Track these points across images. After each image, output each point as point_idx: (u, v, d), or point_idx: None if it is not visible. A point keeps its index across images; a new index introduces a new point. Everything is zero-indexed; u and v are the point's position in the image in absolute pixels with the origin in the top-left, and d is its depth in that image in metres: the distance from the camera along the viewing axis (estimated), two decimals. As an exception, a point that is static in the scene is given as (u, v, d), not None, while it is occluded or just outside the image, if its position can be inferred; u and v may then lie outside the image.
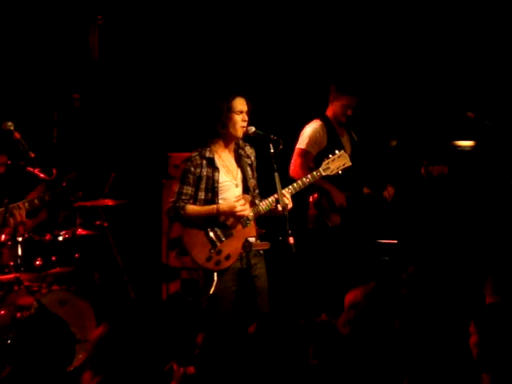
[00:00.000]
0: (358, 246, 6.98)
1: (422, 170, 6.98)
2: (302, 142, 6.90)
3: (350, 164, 5.99)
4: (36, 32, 7.96)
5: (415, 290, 5.10)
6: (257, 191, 5.88)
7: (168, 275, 7.33)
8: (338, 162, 5.94)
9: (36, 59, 7.99)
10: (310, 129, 6.94)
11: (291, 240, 5.50)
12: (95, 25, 8.25)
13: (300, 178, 5.86)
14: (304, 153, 6.85)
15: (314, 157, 6.76)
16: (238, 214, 5.64)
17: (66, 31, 8.11)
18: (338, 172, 5.94)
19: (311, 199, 6.92)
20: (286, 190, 5.72)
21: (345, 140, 7.00)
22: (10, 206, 5.70)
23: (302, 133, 6.96)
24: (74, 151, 7.98)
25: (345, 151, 6.10)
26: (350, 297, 4.71)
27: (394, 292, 5.08)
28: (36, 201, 5.93)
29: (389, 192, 6.99)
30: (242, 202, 5.67)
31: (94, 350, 3.81)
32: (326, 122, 6.96)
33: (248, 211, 5.67)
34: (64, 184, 6.14)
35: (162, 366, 4.10)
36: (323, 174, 5.90)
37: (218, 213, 5.64)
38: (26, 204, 5.89)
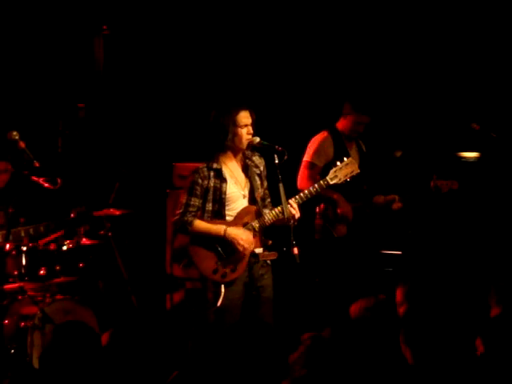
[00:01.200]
0: (363, 257, 6.97)
1: (432, 184, 6.96)
2: (309, 154, 6.93)
3: (359, 171, 5.92)
4: (41, 42, 7.98)
5: (416, 304, 5.09)
6: (268, 200, 5.85)
7: (172, 285, 7.32)
8: (345, 170, 5.88)
9: (41, 69, 8.01)
10: (317, 141, 6.98)
11: (295, 250, 5.48)
12: (100, 35, 8.27)
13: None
14: (310, 165, 6.88)
15: (322, 168, 6.76)
16: (240, 245, 5.62)
17: (71, 41, 8.13)
18: (345, 180, 5.89)
19: (318, 209, 6.93)
20: (293, 199, 5.70)
21: (353, 151, 7.00)
22: (13, 230, 5.73)
23: (308, 145, 6.99)
24: (78, 161, 7.99)
25: None
26: (355, 308, 4.70)
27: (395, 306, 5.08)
28: (41, 228, 5.94)
29: (397, 205, 6.98)
30: (251, 238, 5.66)
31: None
32: (334, 133, 6.99)
33: (250, 247, 5.64)
34: (72, 216, 6.17)
35: (166, 376, 4.09)
36: (330, 182, 5.85)
37: (224, 236, 5.62)
38: (31, 230, 5.90)
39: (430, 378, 3.86)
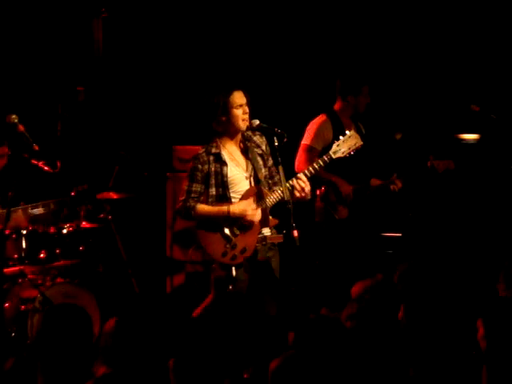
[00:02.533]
0: (363, 240, 6.97)
1: (428, 164, 6.95)
2: (307, 137, 6.91)
3: (362, 143, 5.81)
4: (40, 25, 7.96)
5: (411, 286, 5.10)
6: (277, 177, 5.75)
7: (172, 268, 7.33)
8: (348, 143, 5.77)
9: (40, 52, 7.99)
10: (315, 124, 6.95)
11: (295, 233, 5.48)
12: (99, 18, 8.24)
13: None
14: (309, 148, 6.85)
15: (320, 152, 6.75)
16: (248, 218, 5.62)
17: (70, 24, 8.11)
18: (349, 153, 5.78)
19: (318, 192, 6.92)
20: (302, 174, 5.64)
21: (352, 133, 6.98)
22: (12, 209, 5.70)
23: (307, 128, 6.97)
24: (77, 144, 7.98)
25: None
26: (355, 290, 4.70)
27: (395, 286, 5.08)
28: (40, 206, 5.92)
29: (397, 185, 6.95)
30: (254, 206, 5.65)
31: (106, 343, 3.83)
32: (332, 116, 6.97)
33: (258, 216, 5.64)
34: (73, 194, 6.15)
35: (165, 360, 4.10)
36: (334, 156, 5.75)
37: (229, 215, 5.62)
38: (30, 209, 5.87)
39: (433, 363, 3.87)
